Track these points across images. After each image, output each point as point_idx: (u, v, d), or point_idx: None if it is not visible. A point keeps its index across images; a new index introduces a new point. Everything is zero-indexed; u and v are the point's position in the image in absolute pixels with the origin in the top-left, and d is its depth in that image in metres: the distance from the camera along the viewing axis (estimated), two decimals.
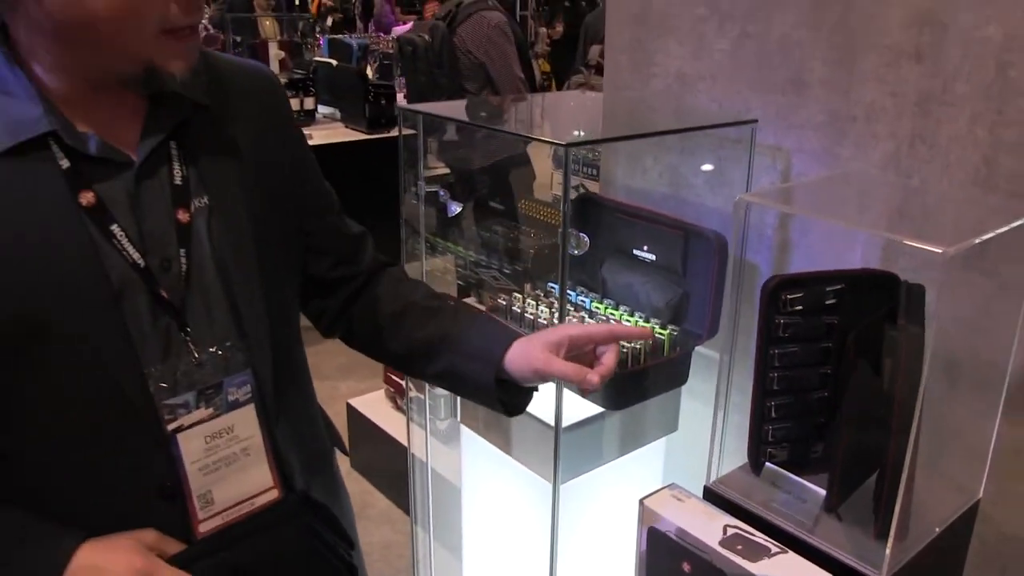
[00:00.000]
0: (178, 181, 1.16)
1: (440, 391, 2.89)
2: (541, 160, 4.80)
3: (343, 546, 1.33)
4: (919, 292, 1.54)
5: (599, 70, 4.70)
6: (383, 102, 6.22)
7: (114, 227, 1.10)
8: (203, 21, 10.10)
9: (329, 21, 12.29)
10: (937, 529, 1.61)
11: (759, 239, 2.15)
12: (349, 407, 4.05)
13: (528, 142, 3.20)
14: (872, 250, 1.91)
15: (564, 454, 1.94)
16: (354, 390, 4.41)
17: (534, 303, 2.22)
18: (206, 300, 1.18)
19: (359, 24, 13.83)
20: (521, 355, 1.33)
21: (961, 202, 1.79)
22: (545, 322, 2.13)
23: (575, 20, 11.09)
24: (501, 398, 1.37)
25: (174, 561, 1.12)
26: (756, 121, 2.08)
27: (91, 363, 1.09)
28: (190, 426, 1.17)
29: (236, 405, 1.22)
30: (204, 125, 1.20)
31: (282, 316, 1.30)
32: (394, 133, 6.18)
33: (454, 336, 1.40)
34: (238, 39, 7.44)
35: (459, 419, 2.33)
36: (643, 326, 1.35)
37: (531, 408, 1.98)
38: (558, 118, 2.68)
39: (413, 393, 2.85)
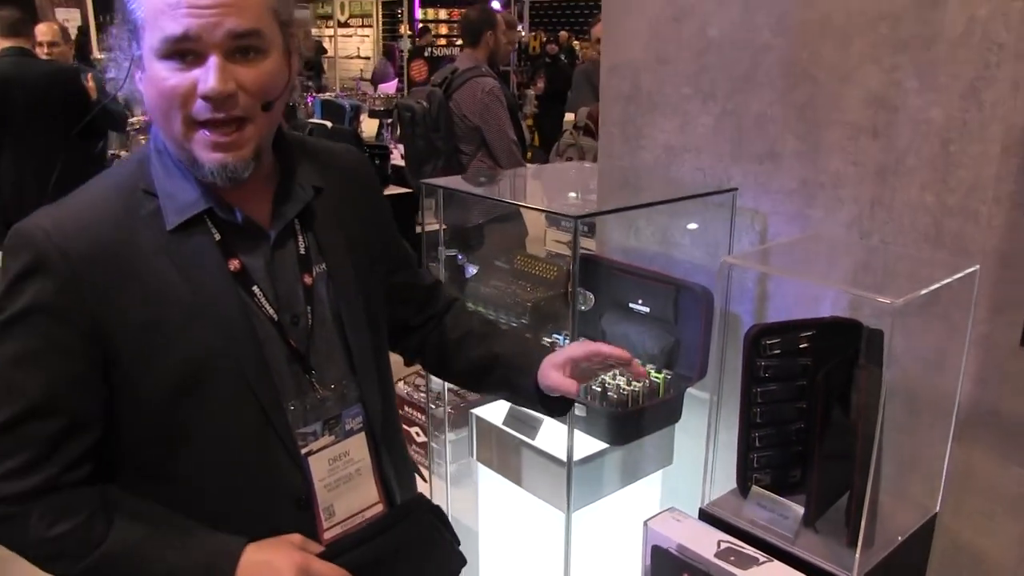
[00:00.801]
0: (302, 251, 1.40)
1: (451, 436, 3.13)
2: (533, 216, 5.03)
3: (455, 542, 1.54)
4: (878, 336, 1.80)
5: (587, 131, 4.94)
6: (377, 162, 6.46)
7: (255, 288, 1.34)
8: None
9: None
10: (900, 538, 1.87)
11: (742, 292, 2.42)
12: None
13: None
14: (841, 300, 2.18)
15: (574, 485, 2.18)
16: None
17: None
18: (326, 348, 1.43)
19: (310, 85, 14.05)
20: (542, 372, 1.58)
21: (914, 258, 2.07)
22: None
23: (555, 75, 11.48)
24: (545, 404, 1.62)
25: (321, 557, 1.34)
26: (736, 189, 2.36)
27: (246, 399, 1.32)
28: (317, 450, 1.42)
29: (351, 433, 1.46)
30: (319, 206, 1.44)
31: (383, 358, 1.55)
32: (388, 191, 6.43)
33: (503, 355, 1.66)
34: None
35: (475, 458, 2.57)
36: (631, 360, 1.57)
37: (541, 445, 2.25)
38: (562, 188, 2.96)
39: (424, 439, 3.08)
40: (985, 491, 2.03)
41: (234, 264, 1.33)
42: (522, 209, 4.73)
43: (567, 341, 2.56)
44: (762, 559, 1.74)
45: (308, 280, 1.40)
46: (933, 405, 2.05)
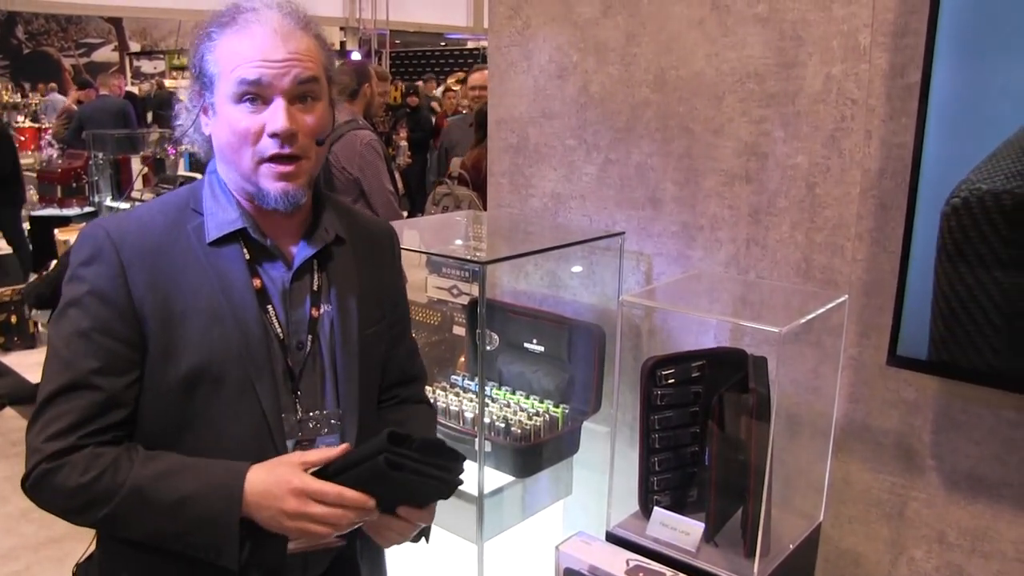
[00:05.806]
0: (315, 288, 1.54)
1: None
2: (410, 263, 5.12)
3: (439, 464, 1.46)
4: (763, 362, 1.98)
5: (461, 180, 5.05)
6: None
7: (269, 307, 1.48)
8: (49, 139, 9.99)
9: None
10: (791, 546, 2.05)
11: (629, 328, 2.59)
12: None
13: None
14: (722, 331, 2.36)
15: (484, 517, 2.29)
16: None
17: (443, 393, 2.59)
18: (317, 376, 1.54)
19: None
20: None
21: (788, 290, 2.27)
22: (456, 409, 2.50)
23: (416, 126, 11.66)
24: None
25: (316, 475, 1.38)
26: (624, 233, 2.54)
27: (250, 403, 1.45)
28: None
29: None
30: (338, 252, 1.58)
31: (369, 399, 1.63)
32: None
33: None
34: (99, 155, 7.47)
35: None
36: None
37: None
38: (449, 236, 3.09)
39: None
40: (861, 499, 2.23)
41: (256, 283, 1.48)
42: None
43: (466, 383, 2.68)
44: (669, 574, 1.89)
45: (315, 313, 1.54)
46: (812, 423, 2.25)
